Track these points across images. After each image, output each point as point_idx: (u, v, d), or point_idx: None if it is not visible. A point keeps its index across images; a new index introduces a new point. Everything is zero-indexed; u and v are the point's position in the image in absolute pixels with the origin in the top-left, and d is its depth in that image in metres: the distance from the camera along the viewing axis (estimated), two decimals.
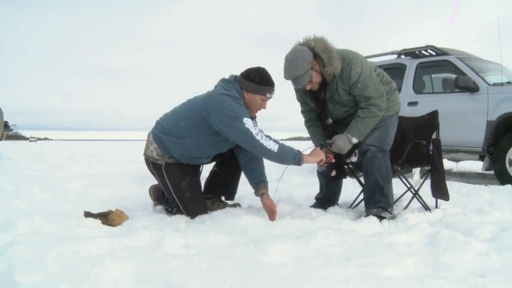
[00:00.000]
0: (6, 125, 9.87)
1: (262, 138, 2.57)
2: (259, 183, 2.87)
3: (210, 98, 2.75)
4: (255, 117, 2.94)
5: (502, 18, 5.72)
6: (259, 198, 2.87)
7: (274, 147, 2.58)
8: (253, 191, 2.93)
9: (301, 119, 3.27)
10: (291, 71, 2.75)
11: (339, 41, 2.82)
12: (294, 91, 3.11)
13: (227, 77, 2.86)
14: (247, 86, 2.75)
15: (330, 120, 3.01)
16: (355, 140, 2.85)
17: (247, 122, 2.59)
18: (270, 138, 2.61)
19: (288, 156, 2.64)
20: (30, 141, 50.64)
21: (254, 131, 2.58)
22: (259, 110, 2.87)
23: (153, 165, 2.96)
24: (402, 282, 1.63)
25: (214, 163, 3.23)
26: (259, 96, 2.77)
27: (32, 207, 3.05)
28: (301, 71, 2.72)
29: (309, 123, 3.18)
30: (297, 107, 3.24)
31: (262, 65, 2.85)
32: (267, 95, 2.79)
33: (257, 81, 2.75)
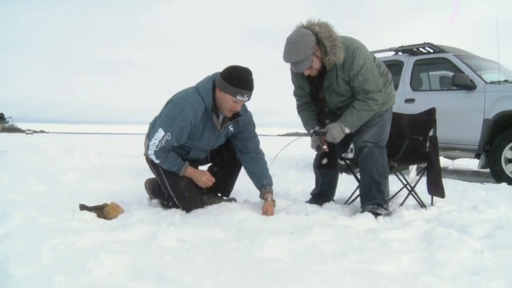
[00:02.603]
0: (2, 117, 9.82)
1: (152, 153, 2.79)
2: (261, 187, 2.90)
3: (178, 93, 2.85)
4: (238, 114, 2.79)
5: (494, 17, 5.71)
6: (255, 193, 2.88)
7: (156, 161, 2.84)
8: (249, 185, 2.91)
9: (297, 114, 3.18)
10: (291, 54, 2.66)
11: None
12: (290, 84, 3.07)
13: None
14: (220, 83, 2.66)
15: (328, 121, 2.97)
16: (347, 130, 2.82)
17: (159, 135, 2.72)
18: (157, 155, 2.78)
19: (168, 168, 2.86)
20: (27, 133, 50.35)
21: (152, 143, 2.75)
22: (232, 110, 2.72)
23: (151, 162, 2.96)
24: (397, 279, 1.63)
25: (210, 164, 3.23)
26: (229, 96, 2.62)
27: (27, 200, 3.04)
28: (302, 56, 2.63)
29: (301, 108, 3.08)
30: (294, 102, 3.19)
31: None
32: (237, 97, 2.61)
33: (228, 80, 2.62)
